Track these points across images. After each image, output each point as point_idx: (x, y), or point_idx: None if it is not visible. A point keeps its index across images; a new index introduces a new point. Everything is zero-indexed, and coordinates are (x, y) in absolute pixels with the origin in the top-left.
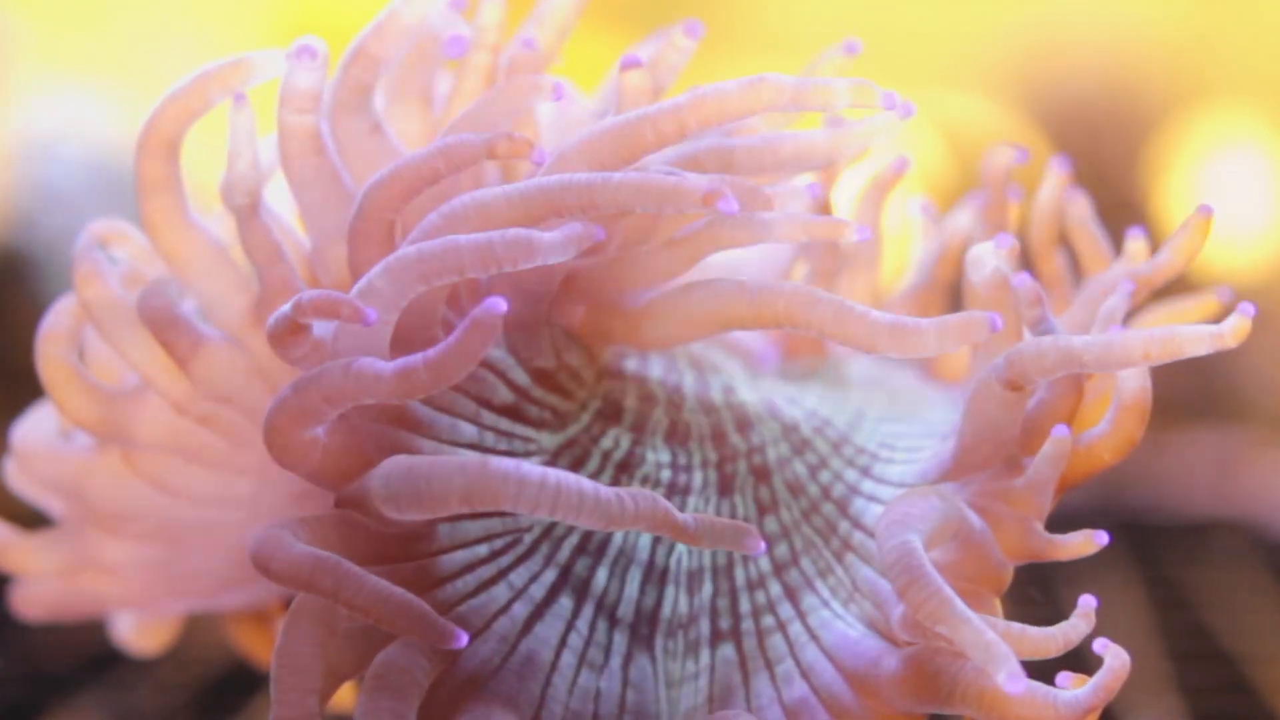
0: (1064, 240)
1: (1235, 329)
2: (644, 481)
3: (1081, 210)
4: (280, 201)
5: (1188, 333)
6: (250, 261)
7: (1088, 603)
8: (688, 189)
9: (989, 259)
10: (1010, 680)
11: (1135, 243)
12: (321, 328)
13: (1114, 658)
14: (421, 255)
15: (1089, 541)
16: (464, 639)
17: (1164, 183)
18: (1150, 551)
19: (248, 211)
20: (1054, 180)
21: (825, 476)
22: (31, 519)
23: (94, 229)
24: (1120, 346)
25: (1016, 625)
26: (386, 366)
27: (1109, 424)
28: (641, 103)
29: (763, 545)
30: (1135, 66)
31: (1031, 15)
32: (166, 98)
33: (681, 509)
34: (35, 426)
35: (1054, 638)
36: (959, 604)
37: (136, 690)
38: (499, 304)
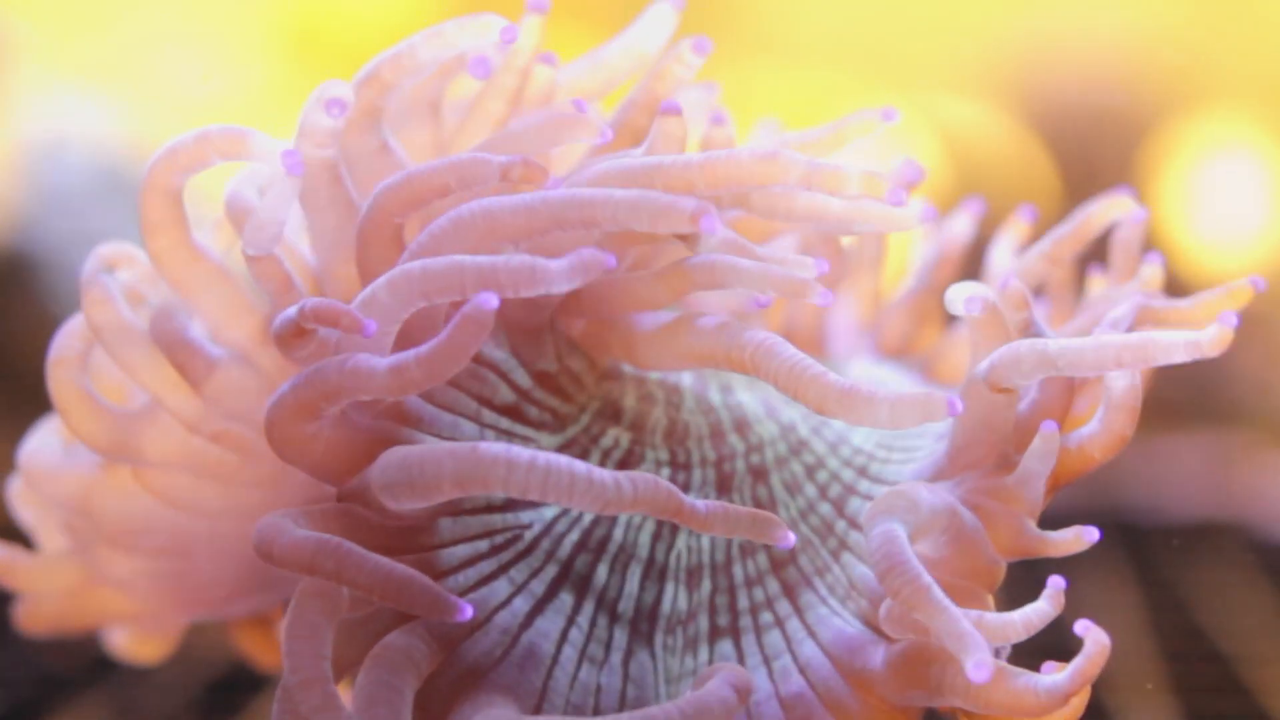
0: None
1: (1215, 338)
2: None
3: (1135, 230)
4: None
5: (1163, 340)
6: (261, 289)
7: (1056, 584)
8: (679, 208)
9: (963, 295)
10: (976, 668)
11: (1151, 269)
12: (326, 331)
13: (1093, 642)
14: (426, 272)
15: (1079, 539)
16: (468, 611)
17: (1159, 186)
18: (1145, 553)
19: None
20: (1119, 206)
21: (822, 476)
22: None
23: (101, 252)
24: (1093, 351)
25: (974, 612)
26: (381, 362)
27: (1099, 423)
28: (674, 150)
29: (791, 536)
30: (1130, 70)
31: (1027, 20)
32: (167, 150)
33: None
34: (41, 445)
35: (1014, 622)
36: (937, 592)
37: (139, 690)
38: (490, 300)
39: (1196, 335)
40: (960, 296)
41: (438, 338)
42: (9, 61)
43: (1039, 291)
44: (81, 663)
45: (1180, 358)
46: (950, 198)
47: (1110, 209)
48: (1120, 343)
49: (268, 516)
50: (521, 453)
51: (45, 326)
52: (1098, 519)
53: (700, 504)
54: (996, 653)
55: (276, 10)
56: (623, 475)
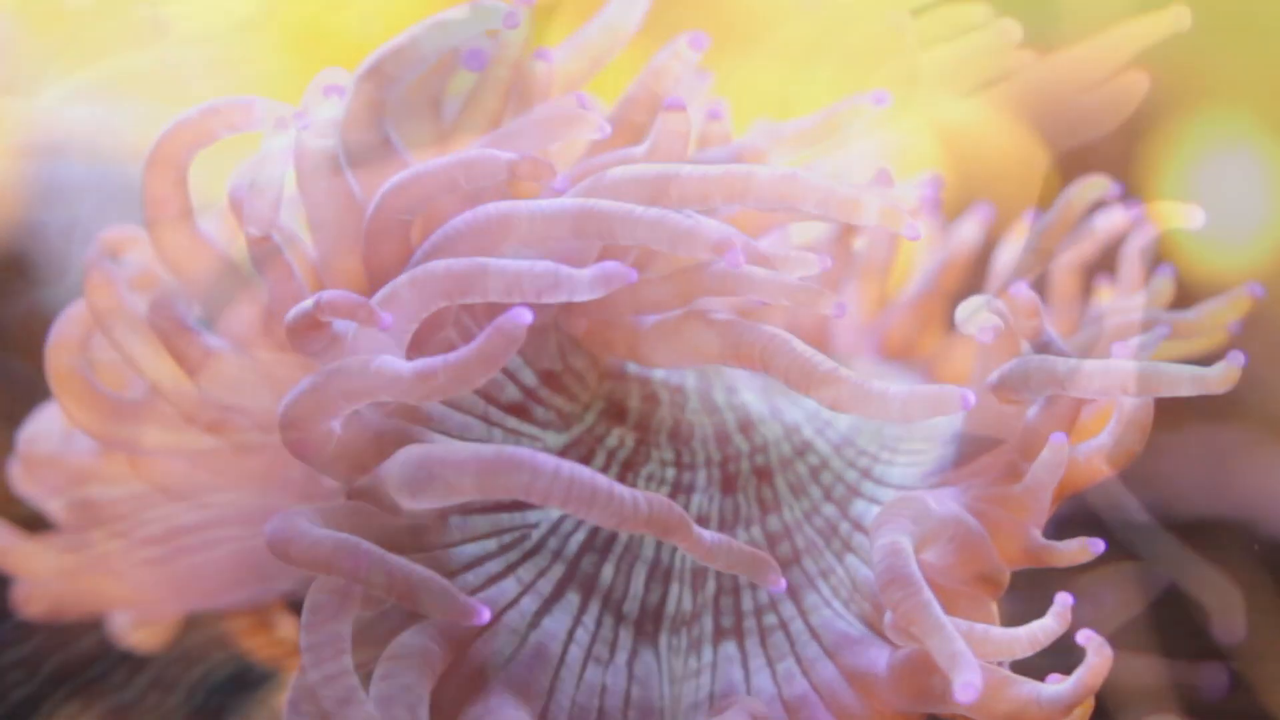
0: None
1: (1222, 376)
2: (648, 480)
3: (1145, 240)
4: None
5: (1171, 373)
6: (262, 278)
7: (1064, 600)
8: (701, 235)
9: (976, 322)
10: (963, 689)
11: (1163, 282)
12: (340, 325)
13: (1096, 652)
14: (450, 273)
15: (1084, 549)
16: (486, 615)
17: (1159, 185)
18: (1145, 548)
19: (261, 238)
20: (1123, 214)
21: (827, 478)
22: (34, 521)
23: (105, 238)
24: (1101, 377)
25: (980, 626)
26: (406, 367)
27: (1110, 436)
28: (677, 145)
29: (783, 582)
30: (1131, 69)
31: (1027, 19)
32: (175, 124)
33: (686, 507)
34: (41, 430)
35: (1019, 638)
36: (935, 608)
37: (136, 688)
38: (524, 314)
39: (1204, 373)
40: (973, 322)
41: (468, 347)
42: (12, 59)
43: (1039, 288)
44: (79, 659)
45: (1186, 392)
46: (950, 197)
47: (1087, 190)
48: (1128, 371)
49: (280, 515)
50: (546, 461)
51: (44, 325)
52: (1098, 515)
53: (706, 535)
54: (1000, 660)
55: (280, 6)
56: (640, 495)
